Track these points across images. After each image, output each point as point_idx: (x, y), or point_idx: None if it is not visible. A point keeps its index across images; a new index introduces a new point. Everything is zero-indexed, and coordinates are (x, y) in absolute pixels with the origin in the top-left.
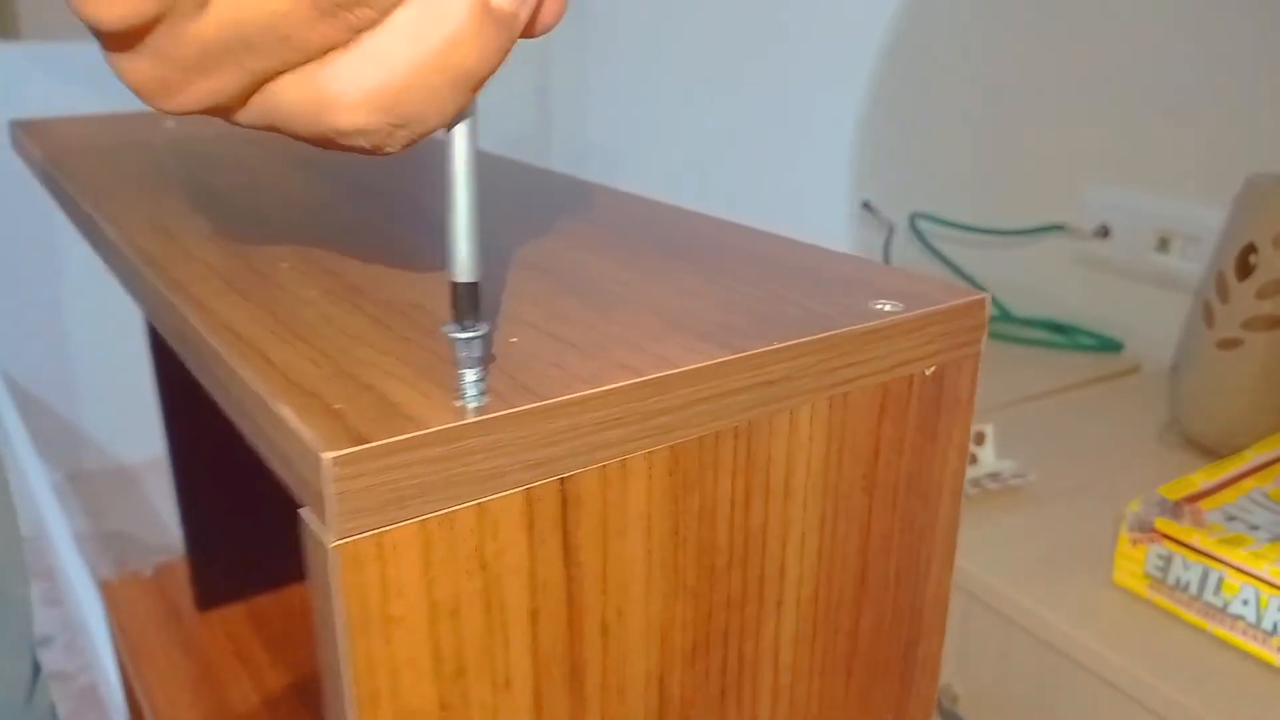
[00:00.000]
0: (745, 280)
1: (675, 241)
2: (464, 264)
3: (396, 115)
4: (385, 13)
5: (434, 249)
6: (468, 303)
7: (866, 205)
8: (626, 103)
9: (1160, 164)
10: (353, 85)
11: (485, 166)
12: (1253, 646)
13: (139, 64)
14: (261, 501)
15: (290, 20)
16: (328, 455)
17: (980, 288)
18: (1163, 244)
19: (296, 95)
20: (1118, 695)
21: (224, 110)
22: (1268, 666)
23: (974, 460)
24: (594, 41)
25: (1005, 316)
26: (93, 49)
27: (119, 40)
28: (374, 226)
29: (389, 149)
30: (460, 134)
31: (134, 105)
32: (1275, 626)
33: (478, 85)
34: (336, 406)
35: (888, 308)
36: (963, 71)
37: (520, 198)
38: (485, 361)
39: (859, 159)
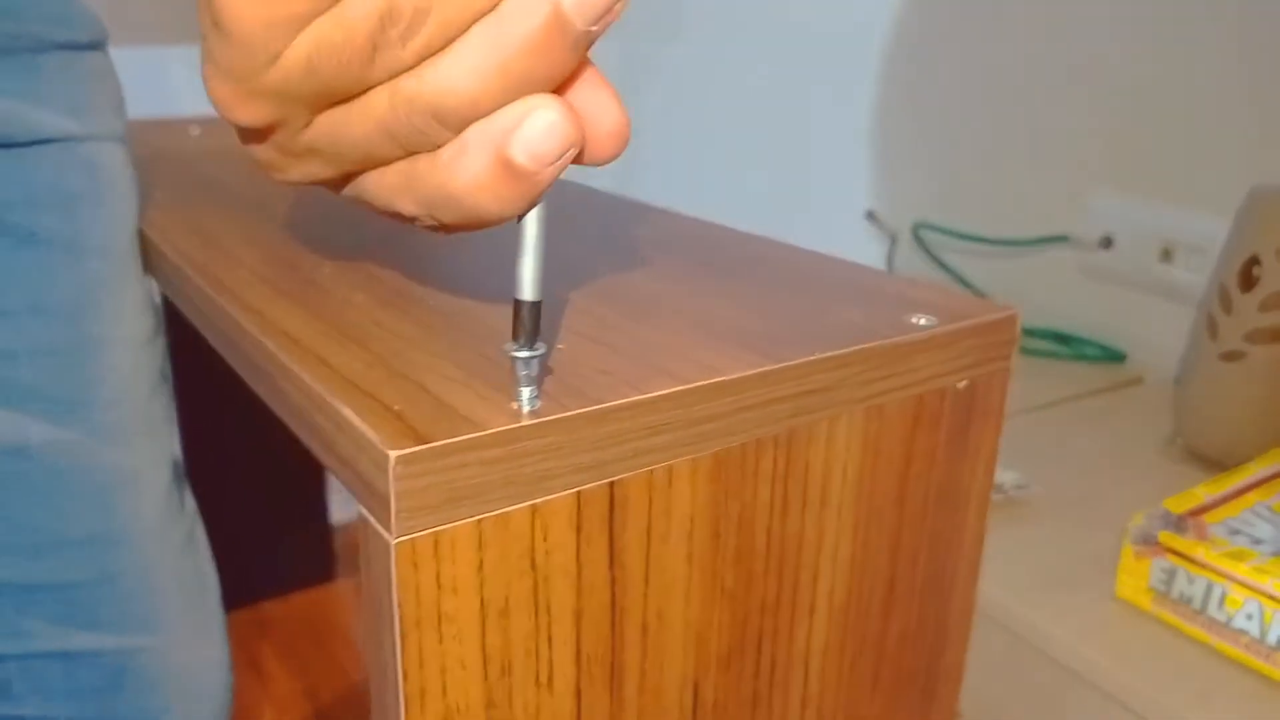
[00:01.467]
0: (783, 292)
1: (711, 255)
2: (530, 284)
3: (436, 217)
4: (435, 148)
5: (475, 254)
6: (531, 322)
7: (870, 215)
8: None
9: (1164, 175)
10: (410, 190)
11: None
12: (1256, 661)
13: (261, 149)
14: (267, 509)
15: (373, 142)
16: (394, 453)
17: (985, 297)
18: (1166, 255)
19: (375, 187)
20: (1122, 710)
21: (326, 185)
22: (1271, 681)
23: None
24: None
25: None
26: (117, 53)
27: (250, 134)
28: (417, 234)
29: (445, 232)
30: None
31: (160, 112)
32: (1279, 641)
33: (495, 222)
34: (396, 408)
35: (924, 321)
36: (965, 82)
37: (564, 213)
38: (542, 378)
39: (862, 169)
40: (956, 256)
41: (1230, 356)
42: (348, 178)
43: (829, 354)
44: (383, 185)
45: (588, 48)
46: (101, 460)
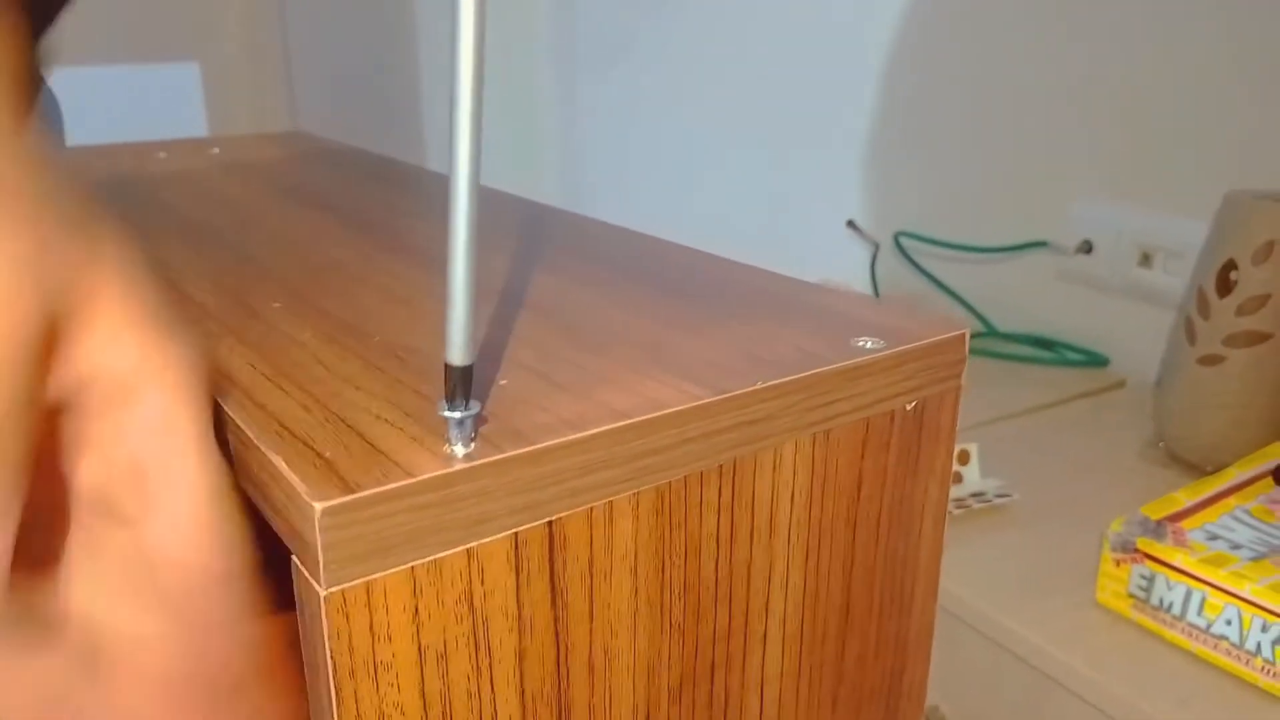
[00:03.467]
0: (730, 315)
1: (661, 274)
2: (459, 348)
3: None
4: None
5: (426, 285)
6: (462, 385)
7: (851, 224)
8: (610, 120)
9: (1142, 180)
10: None
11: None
12: (1236, 666)
13: None
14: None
15: None
16: (319, 505)
17: (966, 304)
18: (1146, 259)
19: None
20: (1102, 716)
21: None
22: (1251, 686)
23: (959, 479)
24: (581, 55)
25: (990, 332)
26: (77, 74)
27: None
28: (368, 261)
29: None
30: (460, 224)
31: (125, 138)
32: (1258, 647)
33: None
34: (327, 454)
35: (869, 344)
36: (944, 91)
37: (514, 230)
38: (477, 428)
39: (842, 178)
40: (938, 263)
41: (1209, 360)
42: None
43: (771, 383)
44: None
45: None
46: None
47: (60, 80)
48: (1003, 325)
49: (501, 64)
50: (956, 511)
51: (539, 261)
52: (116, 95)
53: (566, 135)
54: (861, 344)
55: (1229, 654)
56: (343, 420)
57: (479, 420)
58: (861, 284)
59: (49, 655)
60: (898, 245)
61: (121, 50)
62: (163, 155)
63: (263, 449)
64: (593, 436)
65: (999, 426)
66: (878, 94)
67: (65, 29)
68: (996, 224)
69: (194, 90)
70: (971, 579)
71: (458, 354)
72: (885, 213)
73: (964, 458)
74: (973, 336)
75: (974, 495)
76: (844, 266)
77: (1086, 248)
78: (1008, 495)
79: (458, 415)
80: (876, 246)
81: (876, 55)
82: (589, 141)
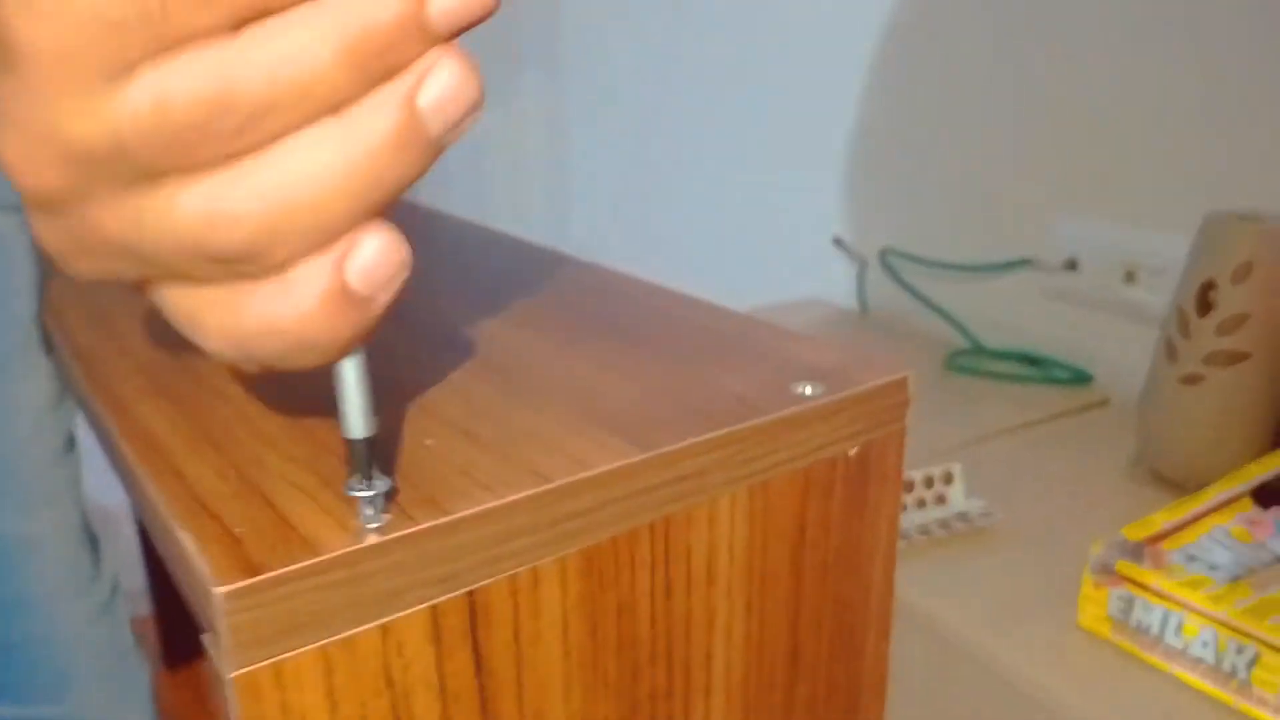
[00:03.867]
0: (676, 360)
1: (618, 317)
2: (357, 420)
3: (246, 355)
4: (269, 271)
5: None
6: (364, 460)
7: (837, 241)
8: (594, 138)
9: (1126, 197)
10: (218, 320)
11: (424, 222)
12: (1213, 689)
13: (50, 228)
14: None
15: (181, 252)
16: (220, 590)
17: (952, 320)
18: (1130, 276)
19: (175, 307)
20: None
21: (125, 284)
22: (1228, 708)
23: (943, 500)
24: (565, 60)
25: (977, 349)
26: None
27: (39, 205)
28: None
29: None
30: None
31: None
32: (1234, 668)
33: (315, 362)
34: (237, 530)
35: (809, 390)
36: (928, 110)
37: (456, 259)
38: (389, 501)
39: (828, 196)
40: (925, 280)
41: (1189, 380)
42: (148, 281)
43: (702, 438)
44: (182, 307)
45: (435, 159)
46: None
47: None
48: (989, 342)
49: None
50: (940, 534)
51: (481, 297)
52: None
53: (551, 148)
54: (801, 390)
55: (1206, 676)
56: (258, 490)
57: (391, 493)
58: (848, 300)
59: None
60: (884, 263)
61: None
62: None
63: (173, 526)
64: (512, 504)
65: (984, 446)
66: (862, 114)
67: None
68: (982, 241)
69: None
70: (955, 602)
71: (355, 426)
72: (871, 230)
73: (948, 478)
74: (959, 353)
75: (958, 517)
76: (831, 283)
77: (1071, 265)
78: (991, 516)
79: (365, 494)
80: (863, 263)
81: (860, 75)
82: (572, 159)
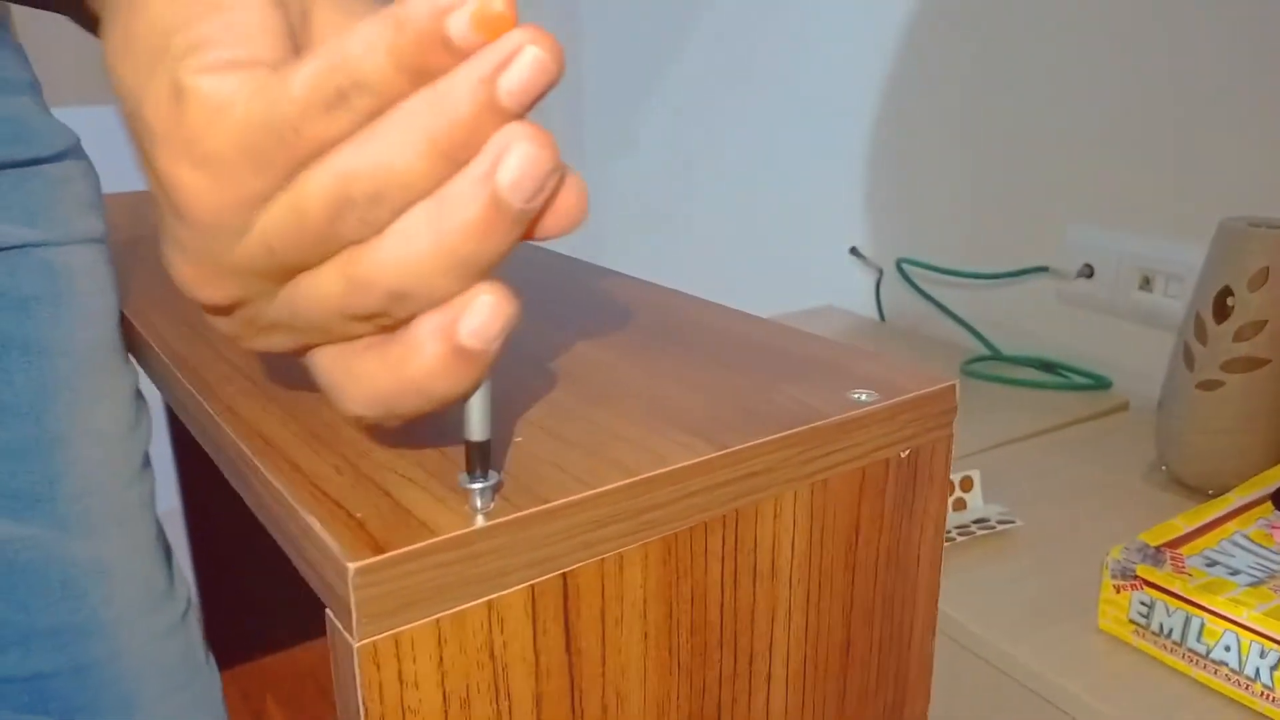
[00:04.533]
0: (734, 369)
1: (671, 329)
2: (478, 426)
3: (388, 413)
4: (400, 321)
5: None
6: (481, 460)
7: (854, 251)
8: (618, 147)
9: (1141, 204)
10: (347, 389)
11: None
12: (1236, 692)
13: (226, 322)
14: (272, 564)
15: (330, 319)
16: (353, 565)
17: (970, 328)
18: (1146, 282)
19: (325, 366)
20: None
21: (292, 354)
22: (1252, 712)
23: (962, 506)
24: (585, 78)
25: (995, 356)
26: (94, 114)
27: (215, 309)
28: None
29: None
30: None
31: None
32: (1257, 672)
33: (446, 404)
34: (358, 515)
35: (864, 397)
36: (943, 120)
37: (519, 278)
38: (495, 496)
39: (845, 207)
40: (941, 288)
41: (1207, 386)
42: (308, 348)
43: (771, 437)
44: (333, 376)
45: (526, 225)
46: (68, 552)
47: (79, 120)
48: (1007, 349)
49: None
50: (960, 539)
51: (546, 314)
52: (113, 140)
53: (571, 159)
54: (857, 396)
55: (1229, 679)
56: (372, 481)
57: (498, 487)
58: (866, 309)
59: None
60: (900, 271)
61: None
62: None
63: (299, 510)
64: (603, 493)
65: (1004, 450)
66: (878, 125)
67: (82, 69)
68: (998, 249)
69: None
70: (976, 607)
71: (477, 431)
72: (887, 240)
73: (967, 484)
74: (977, 360)
75: (977, 522)
76: (848, 293)
77: (1087, 272)
78: (1011, 521)
79: (478, 487)
80: (880, 273)
81: (876, 87)
82: (593, 168)
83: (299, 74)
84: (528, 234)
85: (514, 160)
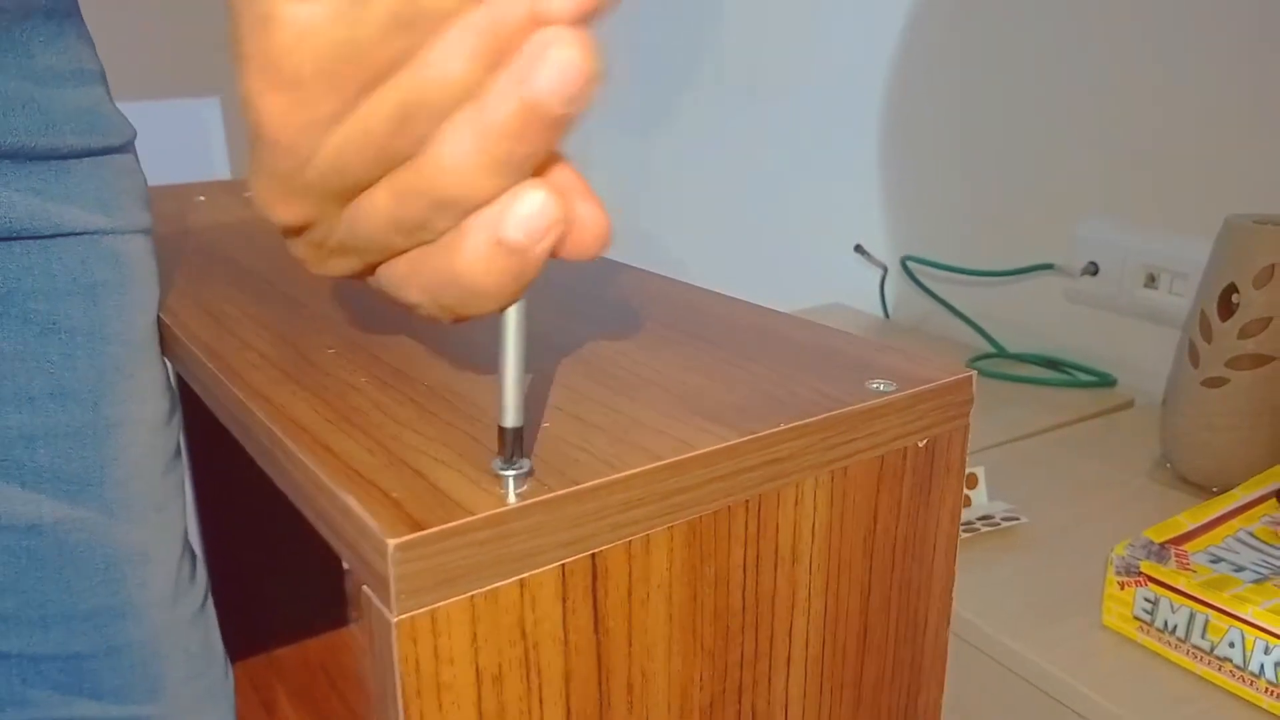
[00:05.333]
0: (754, 359)
1: (691, 321)
2: (512, 411)
3: (439, 301)
4: (440, 234)
5: (464, 332)
6: (514, 445)
7: (859, 248)
8: (624, 150)
9: (1145, 202)
10: (416, 276)
11: None
12: (1241, 688)
13: (299, 245)
14: (283, 556)
15: (385, 234)
16: (393, 541)
17: (975, 325)
18: (1151, 280)
19: (387, 278)
20: None
21: (356, 278)
22: (1257, 708)
23: (967, 503)
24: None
25: (1000, 353)
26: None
27: (289, 231)
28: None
29: (445, 319)
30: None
31: (148, 175)
32: (1262, 668)
33: (493, 305)
34: (394, 495)
35: (883, 387)
36: (947, 117)
37: (541, 273)
38: (526, 479)
39: (850, 204)
40: (946, 285)
41: (1212, 383)
42: (372, 270)
43: (793, 424)
44: (393, 275)
45: (564, 128)
46: (112, 536)
47: None
48: (1012, 346)
49: None
50: (965, 535)
51: (567, 305)
52: (137, 131)
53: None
54: (876, 386)
55: (1233, 676)
56: (405, 463)
57: (529, 474)
58: (871, 307)
59: None
60: (905, 269)
61: (141, 86)
62: (201, 199)
63: (336, 490)
64: (632, 476)
65: (1009, 447)
66: (883, 122)
67: (118, 65)
68: (1002, 247)
69: (215, 126)
70: (981, 603)
71: (511, 417)
72: (892, 237)
73: (972, 481)
74: (982, 358)
75: (982, 519)
76: (853, 290)
77: (1092, 269)
78: (1016, 518)
79: (512, 473)
80: (885, 270)
81: (881, 85)
82: (602, 169)
83: (373, 3)
84: (554, 253)
85: (550, 61)
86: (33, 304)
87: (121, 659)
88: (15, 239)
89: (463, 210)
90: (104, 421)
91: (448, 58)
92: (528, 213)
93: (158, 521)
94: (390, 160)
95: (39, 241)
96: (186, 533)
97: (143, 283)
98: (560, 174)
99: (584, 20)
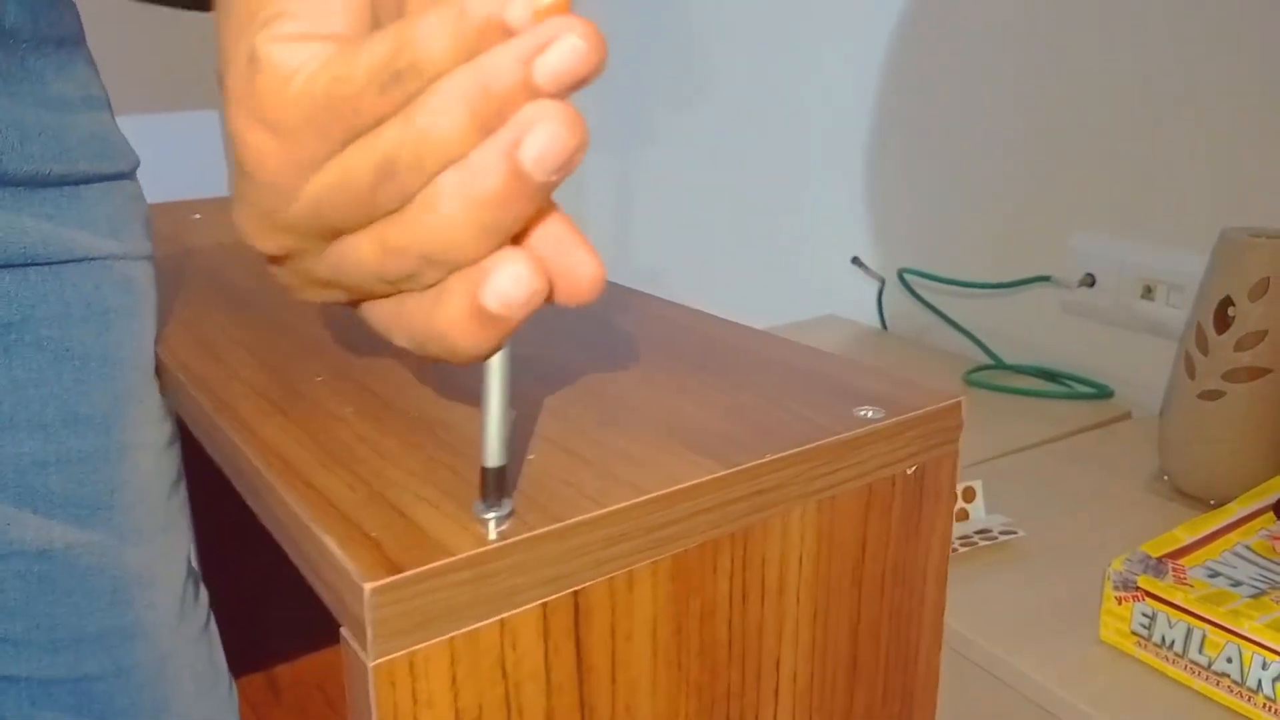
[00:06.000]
0: (743, 386)
1: (680, 345)
2: (494, 452)
3: (421, 351)
4: (427, 286)
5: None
6: (496, 487)
7: (856, 261)
8: (622, 165)
9: (1142, 214)
10: (394, 321)
11: None
12: (1239, 704)
13: (282, 273)
14: (280, 575)
15: (368, 280)
16: (368, 585)
17: (972, 337)
18: (1148, 291)
19: (373, 317)
20: None
21: (342, 306)
22: None
23: (964, 516)
24: (586, 90)
25: (997, 365)
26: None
27: (272, 260)
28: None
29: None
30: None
31: (146, 188)
32: (1259, 684)
33: (472, 359)
34: (373, 535)
35: (871, 414)
36: (944, 130)
37: None
38: (508, 518)
39: (847, 217)
40: (943, 297)
41: (1209, 396)
42: (356, 303)
43: (779, 455)
44: (379, 317)
45: (550, 193)
46: (120, 559)
47: None
48: (1009, 358)
49: None
50: (962, 549)
51: (557, 327)
52: (134, 144)
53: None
54: (863, 413)
55: (1231, 691)
56: (385, 499)
57: (510, 516)
58: (869, 319)
59: None
60: (902, 281)
61: (139, 99)
62: (197, 217)
63: (315, 530)
64: (615, 512)
65: (1006, 460)
66: (879, 135)
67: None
68: (999, 258)
69: (213, 139)
70: (978, 618)
71: (493, 457)
72: (889, 249)
73: (969, 494)
74: (979, 370)
75: (979, 532)
76: (851, 302)
77: (1089, 281)
78: (1013, 532)
79: (491, 517)
80: (882, 282)
81: (878, 97)
82: (598, 184)
83: (363, 54)
84: (547, 299)
85: (538, 135)
86: (46, 330)
87: (130, 680)
88: (29, 265)
89: (451, 266)
90: (115, 446)
91: (436, 115)
92: (504, 286)
93: (164, 543)
94: (372, 210)
95: (52, 267)
96: (190, 553)
97: (149, 307)
98: (551, 226)
99: (575, 90)
